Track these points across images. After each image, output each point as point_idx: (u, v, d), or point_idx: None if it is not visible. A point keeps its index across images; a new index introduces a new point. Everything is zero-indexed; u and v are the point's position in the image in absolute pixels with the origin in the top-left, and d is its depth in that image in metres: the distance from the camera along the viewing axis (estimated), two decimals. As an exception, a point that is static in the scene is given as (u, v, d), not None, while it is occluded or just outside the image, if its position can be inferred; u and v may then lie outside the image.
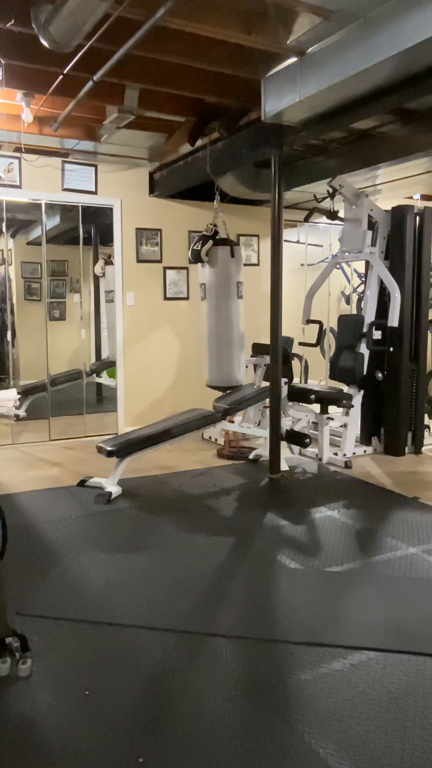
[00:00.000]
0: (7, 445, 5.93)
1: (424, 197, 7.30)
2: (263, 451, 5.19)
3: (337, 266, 7.86)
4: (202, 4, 3.19)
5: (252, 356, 5.84)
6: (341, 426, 5.59)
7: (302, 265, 8.20)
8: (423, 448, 5.64)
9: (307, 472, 5.07)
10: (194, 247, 5.11)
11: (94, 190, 6.11)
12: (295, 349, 6.31)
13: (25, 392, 6.30)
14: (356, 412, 5.49)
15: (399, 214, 5.39)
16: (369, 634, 2.53)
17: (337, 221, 5.55)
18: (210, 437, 6.09)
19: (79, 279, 6.52)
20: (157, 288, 6.48)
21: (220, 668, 2.30)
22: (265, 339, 4.98)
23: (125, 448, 4.46)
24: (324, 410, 5.34)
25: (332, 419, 5.42)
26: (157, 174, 6.23)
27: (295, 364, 6.56)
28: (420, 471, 5.10)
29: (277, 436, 4.77)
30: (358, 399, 5.45)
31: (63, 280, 6.49)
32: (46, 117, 5.00)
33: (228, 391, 5.31)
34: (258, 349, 5.80)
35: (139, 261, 6.37)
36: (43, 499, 4.30)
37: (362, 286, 7.42)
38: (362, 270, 7.07)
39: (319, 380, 8.08)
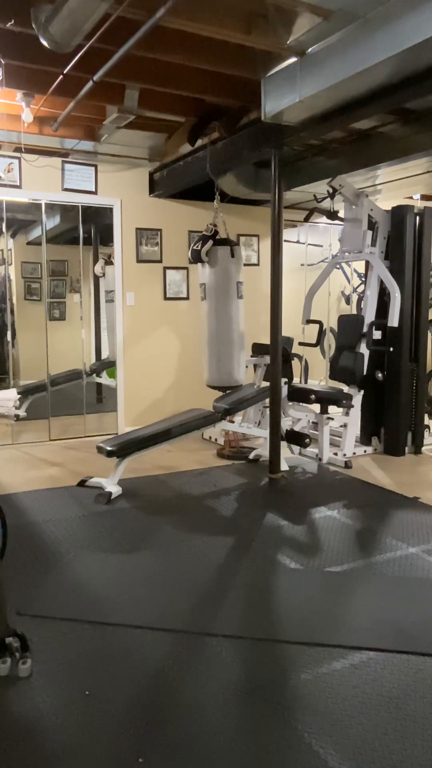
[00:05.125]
0: (7, 445, 5.93)
1: (424, 197, 7.30)
2: (263, 451, 5.19)
3: (337, 266, 7.86)
4: (202, 4, 3.19)
5: (252, 356, 5.84)
6: (341, 426, 5.59)
7: (302, 265, 8.20)
8: (423, 448, 5.64)
9: (307, 472, 5.06)
10: (194, 247, 5.11)
11: (94, 190, 6.11)
12: (295, 349, 6.31)
13: (25, 392, 6.30)
14: (356, 412, 5.49)
15: (399, 214, 5.39)
16: (369, 634, 2.53)
17: (337, 221, 5.55)
18: (210, 437, 6.09)
19: (79, 279, 6.52)
20: (157, 288, 6.48)
21: (220, 668, 2.30)
22: (265, 339, 4.98)
23: (125, 448, 4.46)
24: (324, 410, 5.34)
25: (332, 419, 5.42)
26: (157, 174, 6.23)
27: (295, 364, 6.56)
28: (420, 471, 5.10)
29: (277, 436, 4.77)
30: (358, 399, 5.45)
31: (63, 280, 6.49)
32: (46, 117, 5.00)
33: (228, 391, 5.31)
34: (258, 349, 5.80)
35: (139, 261, 6.37)
36: (43, 499, 4.30)
37: (362, 286, 7.41)
38: (362, 270, 7.07)
39: (319, 380, 8.08)
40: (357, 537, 3.62)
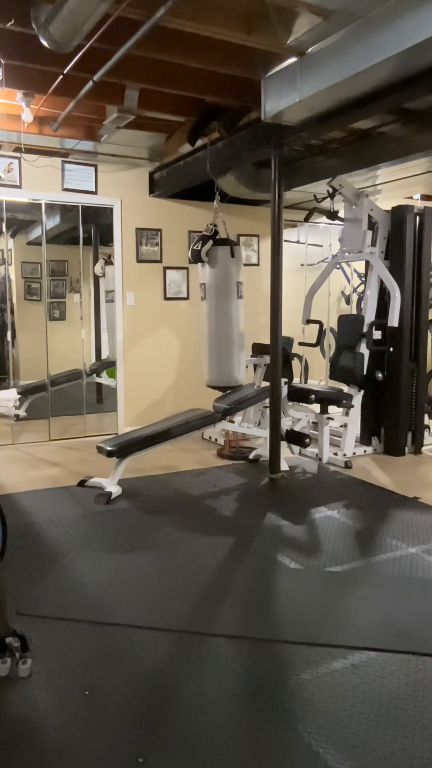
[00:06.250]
0: (7, 445, 5.93)
1: (424, 197, 7.30)
2: (263, 451, 5.19)
3: (337, 266, 7.86)
4: (202, 4, 3.19)
5: (252, 356, 5.85)
6: (341, 426, 5.59)
7: (302, 265, 8.20)
8: (423, 448, 5.64)
9: (307, 472, 5.06)
10: (194, 247, 5.11)
11: (94, 190, 6.11)
12: (295, 349, 6.31)
13: (25, 392, 6.30)
14: (356, 412, 5.49)
15: (399, 214, 5.39)
16: (369, 634, 2.53)
17: (337, 221, 5.55)
18: (210, 437, 6.09)
19: (79, 279, 6.52)
20: (157, 288, 6.48)
21: (220, 668, 2.30)
22: (265, 339, 4.98)
23: (125, 448, 4.46)
24: (324, 410, 5.34)
25: (332, 419, 5.42)
26: (157, 174, 6.23)
27: (295, 364, 6.56)
28: (420, 471, 5.10)
29: (277, 436, 4.77)
30: (358, 399, 5.45)
31: (63, 280, 6.49)
32: (46, 117, 5.00)
33: (228, 391, 5.31)
34: (258, 349, 5.80)
35: (139, 261, 6.37)
36: (43, 499, 4.30)
37: (362, 286, 7.41)
38: (362, 270, 7.07)
39: (319, 380, 8.08)
40: (357, 537, 3.62)
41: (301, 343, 6.00)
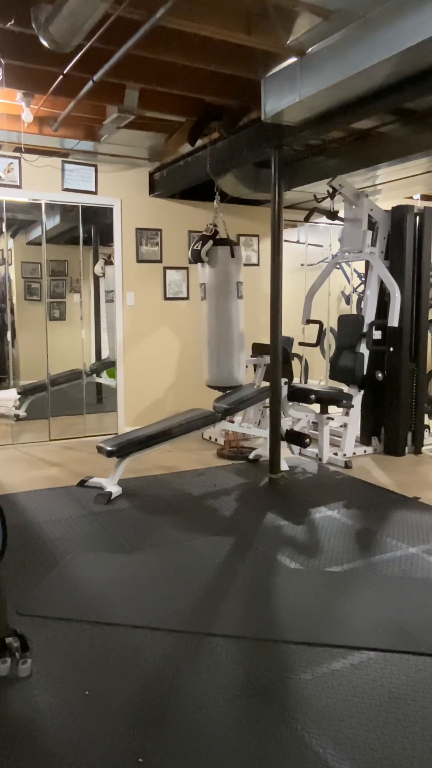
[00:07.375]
0: (7, 445, 5.93)
1: (424, 197, 7.30)
2: (263, 451, 5.19)
3: (337, 266, 7.86)
4: (202, 4, 3.19)
5: (252, 356, 5.85)
6: (341, 426, 5.59)
7: (302, 265, 8.20)
8: (423, 448, 5.64)
9: (307, 472, 5.06)
10: (194, 247, 5.11)
11: (94, 190, 6.11)
12: (295, 349, 6.31)
13: (25, 392, 6.30)
14: (356, 412, 5.49)
15: (399, 214, 5.39)
16: (369, 634, 2.53)
17: (337, 221, 5.55)
18: (210, 437, 6.09)
19: (79, 279, 6.52)
20: (157, 288, 6.48)
21: (220, 668, 2.30)
22: (265, 339, 4.98)
23: (125, 448, 4.46)
24: (324, 410, 5.34)
25: (332, 419, 5.42)
26: (157, 174, 6.23)
27: (295, 364, 6.56)
28: (420, 471, 5.10)
29: (277, 436, 4.77)
30: (358, 399, 5.45)
31: (63, 280, 6.49)
32: (46, 117, 5.00)
33: (228, 391, 5.31)
34: (258, 349, 5.80)
35: (139, 261, 6.37)
36: (43, 499, 4.30)
37: (362, 286, 7.41)
38: (362, 270, 7.07)
39: (319, 380, 8.08)
40: (357, 537, 3.62)
41: (301, 343, 6.00)
